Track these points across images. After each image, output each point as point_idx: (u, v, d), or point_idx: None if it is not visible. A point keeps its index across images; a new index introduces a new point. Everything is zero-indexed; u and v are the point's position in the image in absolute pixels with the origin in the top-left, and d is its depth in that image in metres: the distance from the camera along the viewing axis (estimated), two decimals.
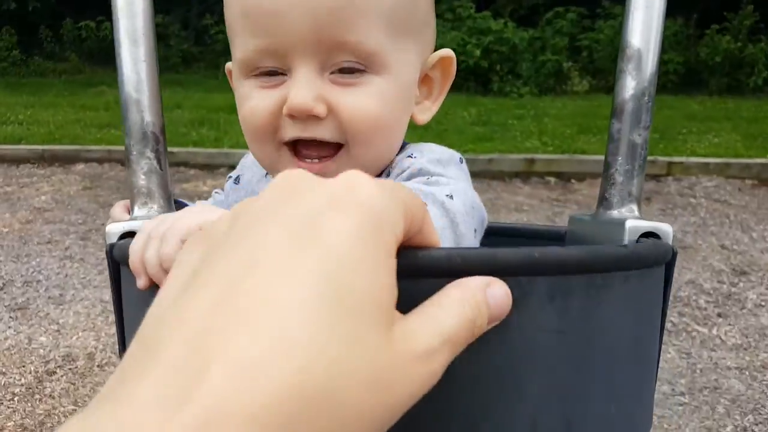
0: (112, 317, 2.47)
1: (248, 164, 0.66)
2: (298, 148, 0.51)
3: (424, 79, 0.55)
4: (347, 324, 0.20)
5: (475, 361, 0.29)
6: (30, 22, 11.50)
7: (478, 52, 8.05)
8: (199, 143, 5.23)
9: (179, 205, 0.54)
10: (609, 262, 0.34)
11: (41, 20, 11.42)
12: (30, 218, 3.72)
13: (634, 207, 0.49)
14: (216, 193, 0.73)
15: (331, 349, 0.19)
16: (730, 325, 2.50)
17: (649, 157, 4.35)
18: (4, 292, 2.71)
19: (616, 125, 0.51)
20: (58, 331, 2.37)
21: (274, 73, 0.48)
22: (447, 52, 0.55)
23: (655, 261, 0.40)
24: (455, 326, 0.24)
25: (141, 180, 0.50)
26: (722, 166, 4.81)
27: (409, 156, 0.53)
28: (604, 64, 8.75)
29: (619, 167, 0.50)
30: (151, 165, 0.50)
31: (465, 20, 8.67)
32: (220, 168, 4.85)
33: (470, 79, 8.25)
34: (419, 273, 0.27)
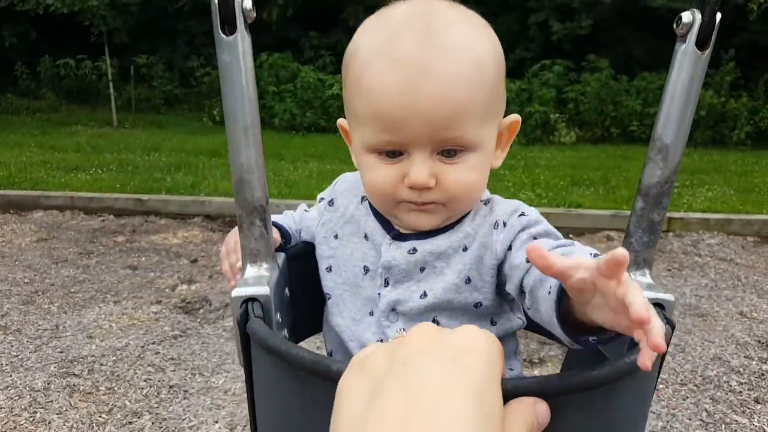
0: (39, 414, 2.01)
1: (342, 191, 0.78)
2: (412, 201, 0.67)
3: (498, 136, 0.69)
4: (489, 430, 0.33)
5: None
6: (6, 58, 11.20)
7: None
8: (172, 189, 4.85)
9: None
10: (623, 373, 0.46)
11: (18, 57, 11.14)
12: None
13: (647, 271, 0.66)
14: (305, 210, 0.84)
15: None
16: None
17: None
18: None
19: (640, 204, 0.63)
20: None
21: (394, 153, 0.64)
22: (516, 117, 0.71)
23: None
24: (524, 428, 0.38)
25: (252, 243, 0.62)
26: (723, 222, 4.64)
27: (521, 214, 0.68)
28: (590, 116, 8.76)
29: (639, 239, 0.64)
30: (261, 231, 0.62)
31: None
32: (193, 218, 4.46)
33: None
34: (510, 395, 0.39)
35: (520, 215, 0.67)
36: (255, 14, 0.56)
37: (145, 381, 2.19)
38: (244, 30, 0.55)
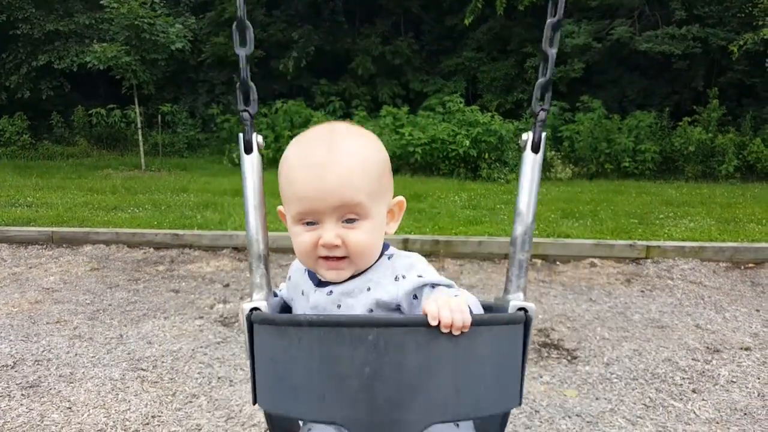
0: (121, 395, 2.60)
1: (294, 270, 1.12)
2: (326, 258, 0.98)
3: (389, 212, 1.00)
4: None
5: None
6: (43, 109, 12.19)
7: (467, 142, 8.59)
8: (203, 226, 5.48)
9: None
10: (477, 321, 0.81)
11: (53, 107, 12.12)
12: (39, 298, 3.87)
13: (521, 295, 0.95)
14: (280, 290, 1.17)
15: None
16: (703, 400, 2.65)
17: (628, 242, 4.56)
18: (15, 371, 2.82)
19: (512, 249, 0.96)
20: (69, 408, 2.47)
21: (312, 223, 0.93)
22: (400, 198, 1.02)
23: (509, 321, 0.89)
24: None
25: (257, 280, 0.95)
26: (697, 249, 5.09)
27: (419, 275, 0.96)
28: (585, 154, 9.34)
29: (513, 276, 0.96)
30: (262, 272, 0.96)
31: (455, 113, 9.33)
32: (223, 249, 5.07)
33: (461, 166, 8.74)
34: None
35: (418, 276, 0.95)
36: (264, 145, 0.96)
37: (198, 373, 2.75)
38: (257, 152, 0.94)
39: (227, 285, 4.19)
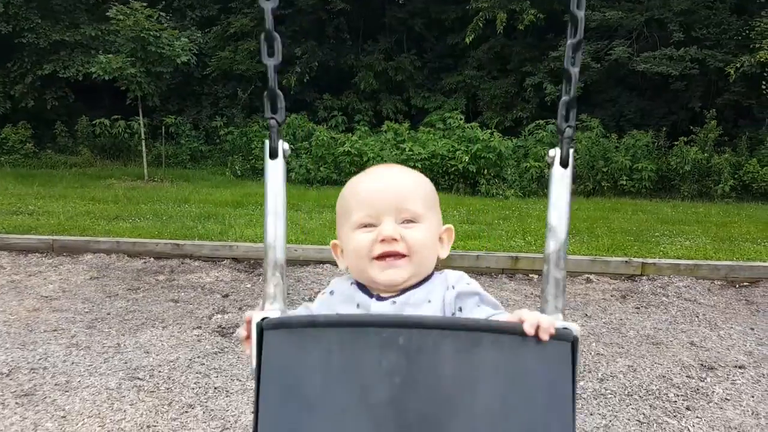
0: (117, 404, 2.61)
1: (337, 284, 1.06)
2: (383, 258, 0.95)
3: (440, 238, 1.01)
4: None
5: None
6: (47, 118, 12.28)
7: (466, 158, 8.68)
8: (204, 236, 5.51)
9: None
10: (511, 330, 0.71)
11: (58, 117, 12.21)
12: (37, 306, 3.89)
13: (560, 316, 0.86)
14: (306, 306, 1.08)
15: None
16: (698, 417, 2.67)
17: (624, 258, 4.60)
18: (11, 379, 2.83)
19: (546, 267, 0.89)
20: (64, 417, 2.48)
21: (371, 225, 0.94)
22: (449, 225, 1.04)
23: (557, 337, 0.72)
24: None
25: (271, 290, 0.90)
26: (692, 267, 5.13)
27: (467, 283, 0.97)
28: (582, 171, 9.41)
29: (548, 295, 0.88)
30: (277, 281, 0.90)
31: (455, 129, 9.44)
32: (223, 260, 5.10)
33: (459, 182, 8.82)
34: None
35: (467, 283, 0.98)
36: (290, 152, 0.94)
37: (194, 383, 2.77)
38: (282, 159, 0.92)
39: (226, 295, 4.22)
